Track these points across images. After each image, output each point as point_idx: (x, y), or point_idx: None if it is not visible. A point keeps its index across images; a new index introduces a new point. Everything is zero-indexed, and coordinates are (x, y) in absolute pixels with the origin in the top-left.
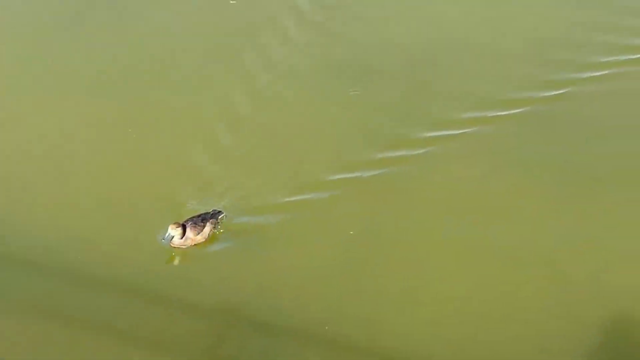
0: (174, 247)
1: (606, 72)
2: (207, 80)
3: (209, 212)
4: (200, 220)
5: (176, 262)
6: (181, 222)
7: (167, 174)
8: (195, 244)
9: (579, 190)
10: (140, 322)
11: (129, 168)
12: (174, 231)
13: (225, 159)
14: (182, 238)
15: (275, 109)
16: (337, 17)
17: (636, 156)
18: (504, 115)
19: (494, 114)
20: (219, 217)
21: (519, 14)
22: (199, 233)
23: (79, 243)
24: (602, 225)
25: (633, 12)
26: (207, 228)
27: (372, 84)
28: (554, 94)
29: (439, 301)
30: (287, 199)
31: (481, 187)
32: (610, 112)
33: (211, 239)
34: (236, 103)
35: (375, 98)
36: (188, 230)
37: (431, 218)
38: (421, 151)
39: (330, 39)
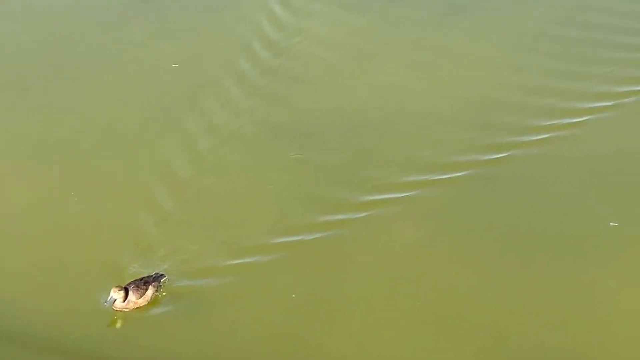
0: (117, 310)
1: (546, 135)
2: (148, 143)
3: (151, 275)
4: (142, 283)
5: (118, 325)
6: (124, 286)
7: (110, 237)
8: (137, 307)
9: (519, 254)
10: None
11: (71, 232)
12: (116, 294)
13: (167, 222)
14: (124, 301)
15: (217, 172)
16: (279, 81)
17: (576, 220)
18: (445, 178)
19: (435, 177)
20: (161, 280)
21: (458, 78)
22: (141, 296)
23: (18, 307)
24: (543, 288)
25: (571, 75)
26: (150, 291)
27: (314, 148)
28: (495, 158)
29: None
30: (229, 262)
31: (423, 251)
32: (550, 175)
33: (153, 302)
34: (178, 166)
35: (317, 161)
36: (130, 293)
37: (373, 283)
38: (363, 214)
39: (272, 103)
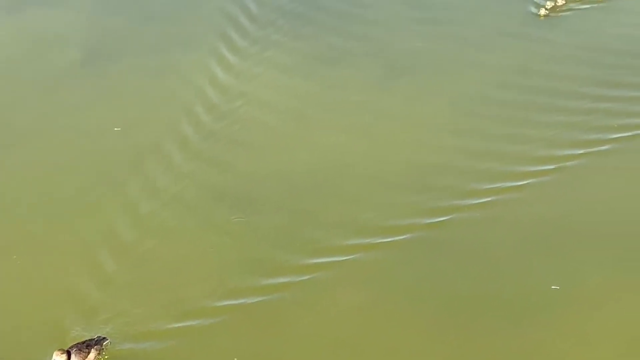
0: None
1: (488, 199)
2: (91, 207)
3: (94, 339)
4: (85, 346)
5: None
6: (66, 349)
7: (52, 300)
8: None
9: (462, 317)
10: None
11: (13, 295)
12: (58, 358)
13: (110, 285)
14: None
15: (160, 235)
16: (221, 145)
17: (518, 283)
18: (387, 242)
19: (377, 240)
20: (104, 343)
21: (400, 141)
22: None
23: None
24: (486, 351)
25: (512, 138)
26: (92, 354)
27: (256, 211)
28: (436, 221)
29: None
30: (171, 325)
31: (365, 314)
32: (492, 238)
33: None
34: (120, 230)
35: (259, 224)
36: (73, 356)
37: (315, 346)
38: (305, 277)
39: (214, 166)
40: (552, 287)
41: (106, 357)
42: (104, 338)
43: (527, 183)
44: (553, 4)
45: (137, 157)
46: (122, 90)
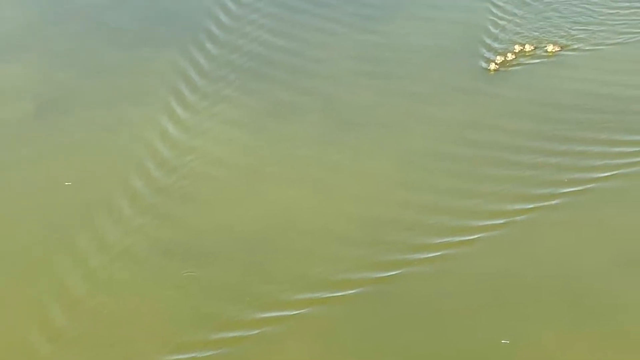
0: None
1: (437, 253)
2: (41, 261)
3: None
4: None
5: None
6: None
7: (1, 355)
8: None
9: None
10: None
11: None
12: None
13: (59, 340)
14: None
15: (110, 289)
16: (171, 199)
17: (468, 337)
18: (337, 296)
19: (327, 295)
20: None
21: (349, 195)
22: None
23: None
24: None
25: (461, 193)
26: None
27: (206, 265)
28: (386, 275)
29: None
30: None
31: None
32: (442, 293)
33: None
34: (70, 284)
35: (209, 278)
36: None
37: None
38: (255, 332)
39: (165, 221)
40: (502, 341)
41: None
42: None
43: (477, 237)
44: (503, 58)
45: (87, 211)
46: (73, 144)
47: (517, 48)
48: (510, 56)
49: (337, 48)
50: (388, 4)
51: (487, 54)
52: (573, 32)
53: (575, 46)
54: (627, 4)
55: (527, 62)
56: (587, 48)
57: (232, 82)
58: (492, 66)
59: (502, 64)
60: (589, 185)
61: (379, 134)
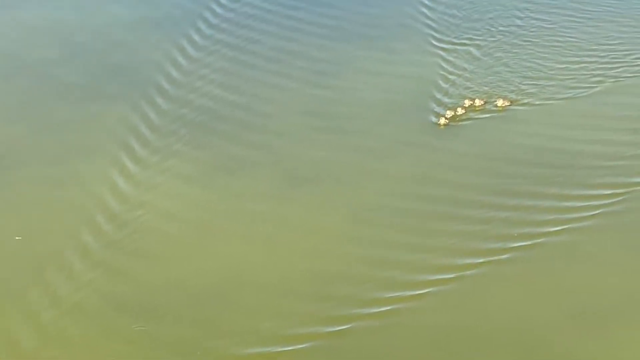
0: None
1: (388, 307)
2: None
3: None
4: None
5: None
6: None
7: None
8: None
9: None
10: None
11: None
12: None
13: None
14: None
15: (60, 344)
16: (122, 254)
17: None
18: (287, 351)
19: (278, 349)
20: None
21: (300, 250)
22: None
23: None
24: None
25: (411, 247)
26: None
27: (157, 320)
28: (336, 330)
29: None
30: None
31: None
32: (392, 347)
33: None
34: (20, 338)
35: (160, 334)
36: None
37: None
38: None
39: (115, 275)
40: None
41: None
42: None
43: (427, 292)
44: (453, 113)
45: (37, 266)
46: (22, 199)
47: (467, 103)
48: (460, 111)
49: (288, 103)
50: (339, 59)
51: (438, 109)
52: (523, 87)
53: (525, 101)
54: (577, 59)
55: (477, 116)
56: (536, 103)
57: (182, 137)
58: (442, 121)
59: (452, 118)
60: (538, 240)
61: (330, 188)
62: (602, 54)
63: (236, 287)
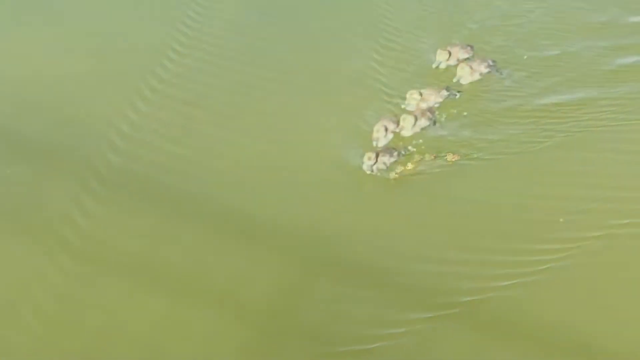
0: None
1: None
2: None
3: None
4: None
5: None
6: None
7: None
8: None
9: None
10: None
11: None
12: None
13: None
14: None
15: None
16: None
17: None
18: None
19: None
20: None
21: None
22: None
23: None
24: None
25: (364, 302)
26: None
27: None
28: None
29: None
30: None
31: None
32: None
33: None
34: None
35: None
36: None
37: None
38: None
39: None
40: None
41: None
42: None
43: (378, 346)
44: (403, 167)
45: None
46: None
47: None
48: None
49: (239, 158)
50: (288, 113)
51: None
52: (473, 141)
53: (475, 155)
54: (527, 114)
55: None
56: (486, 157)
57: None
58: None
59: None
60: (489, 294)
61: (284, 243)
62: (552, 109)
63: None
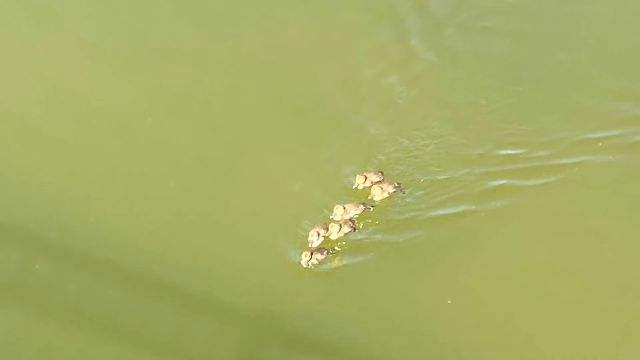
0: None
1: None
2: None
3: None
4: None
5: None
6: None
7: None
8: None
9: None
10: None
11: None
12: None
13: None
14: None
15: None
16: None
17: None
18: None
19: None
20: None
21: None
22: None
23: None
24: None
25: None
26: None
27: None
28: None
29: None
30: None
31: None
32: None
33: None
34: None
35: None
36: None
37: None
38: None
39: None
40: None
41: None
42: None
43: None
44: (331, 262)
45: None
46: None
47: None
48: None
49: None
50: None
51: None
52: (382, 243)
53: (384, 251)
54: (423, 223)
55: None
56: (392, 253)
57: None
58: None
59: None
60: None
61: None
62: (441, 219)
63: None
